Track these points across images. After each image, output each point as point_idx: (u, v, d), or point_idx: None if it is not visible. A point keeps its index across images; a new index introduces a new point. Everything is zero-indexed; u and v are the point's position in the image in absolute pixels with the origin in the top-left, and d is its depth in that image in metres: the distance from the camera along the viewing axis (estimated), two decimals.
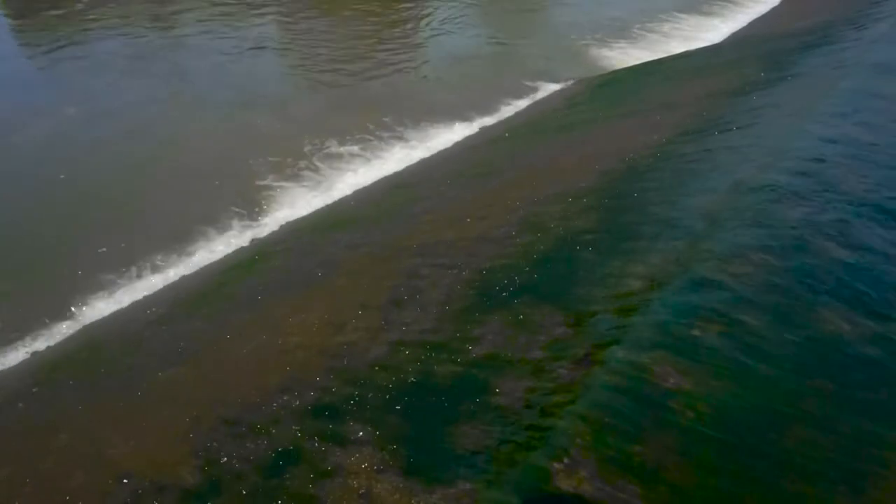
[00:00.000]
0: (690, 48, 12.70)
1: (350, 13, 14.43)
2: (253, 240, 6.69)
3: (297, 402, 3.23)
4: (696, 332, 2.83)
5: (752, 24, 14.81)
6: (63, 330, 5.47)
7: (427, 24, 14.07)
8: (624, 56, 12.56)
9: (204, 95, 10.06)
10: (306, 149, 8.43)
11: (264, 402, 3.31)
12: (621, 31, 13.84)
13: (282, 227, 6.92)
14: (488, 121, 9.71)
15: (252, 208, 7.20)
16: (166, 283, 6.03)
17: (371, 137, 8.81)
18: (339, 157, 8.35)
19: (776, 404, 2.48)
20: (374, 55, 12.01)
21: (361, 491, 2.58)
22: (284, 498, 2.69)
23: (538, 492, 2.26)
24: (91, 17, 13.76)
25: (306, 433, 3.00)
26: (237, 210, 7.12)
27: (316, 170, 8.05)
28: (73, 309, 5.68)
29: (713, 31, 14.36)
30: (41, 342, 5.35)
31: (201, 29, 13.16)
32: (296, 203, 7.37)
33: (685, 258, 3.42)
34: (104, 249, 6.34)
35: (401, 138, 8.94)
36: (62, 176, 7.75)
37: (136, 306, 5.69)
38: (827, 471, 2.23)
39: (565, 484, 2.25)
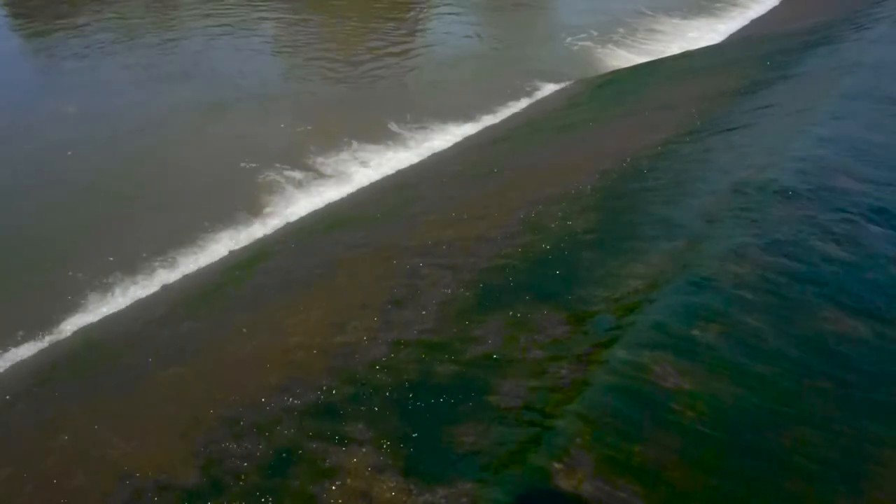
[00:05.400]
0: (690, 48, 12.70)
1: (351, 14, 14.44)
2: (253, 240, 6.69)
3: (297, 402, 3.23)
4: (695, 332, 2.83)
5: (752, 24, 14.81)
6: (63, 330, 5.47)
7: (428, 26, 14.08)
8: (624, 56, 12.56)
9: (203, 95, 10.06)
10: (306, 148, 8.43)
11: (264, 402, 3.31)
12: (622, 31, 13.85)
13: (282, 227, 6.92)
14: (489, 121, 9.72)
15: (252, 208, 7.20)
16: (166, 282, 6.03)
17: (371, 137, 8.81)
18: (340, 156, 8.35)
19: (776, 404, 2.48)
20: (375, 56, 12.01)
21: (361, 491, 2.58)
22: (284, 498, 2.69)
23: (538, 492, 2.26)
24: (91, 16, 13.77)
25: (306, 433, 3.00)
26: (237, 210, 7.12)
27: (316, 169, 8.05)
28: (73, 309, 5.68)
29: (713, 31, 14.37)
30: (41, 342, 5.35)
31: (201, 29, 13.16)
32: (296, 203, 7.38)
33: (685, 258, 3.42)
34: (104, 249, 6.34)
35: (401, 138, 8.95)
36: (62, 175, 7.75)
37: (137, 306, 5.69)
38: (827, 471, 2.23)
39: (565, 484, 2.25)
